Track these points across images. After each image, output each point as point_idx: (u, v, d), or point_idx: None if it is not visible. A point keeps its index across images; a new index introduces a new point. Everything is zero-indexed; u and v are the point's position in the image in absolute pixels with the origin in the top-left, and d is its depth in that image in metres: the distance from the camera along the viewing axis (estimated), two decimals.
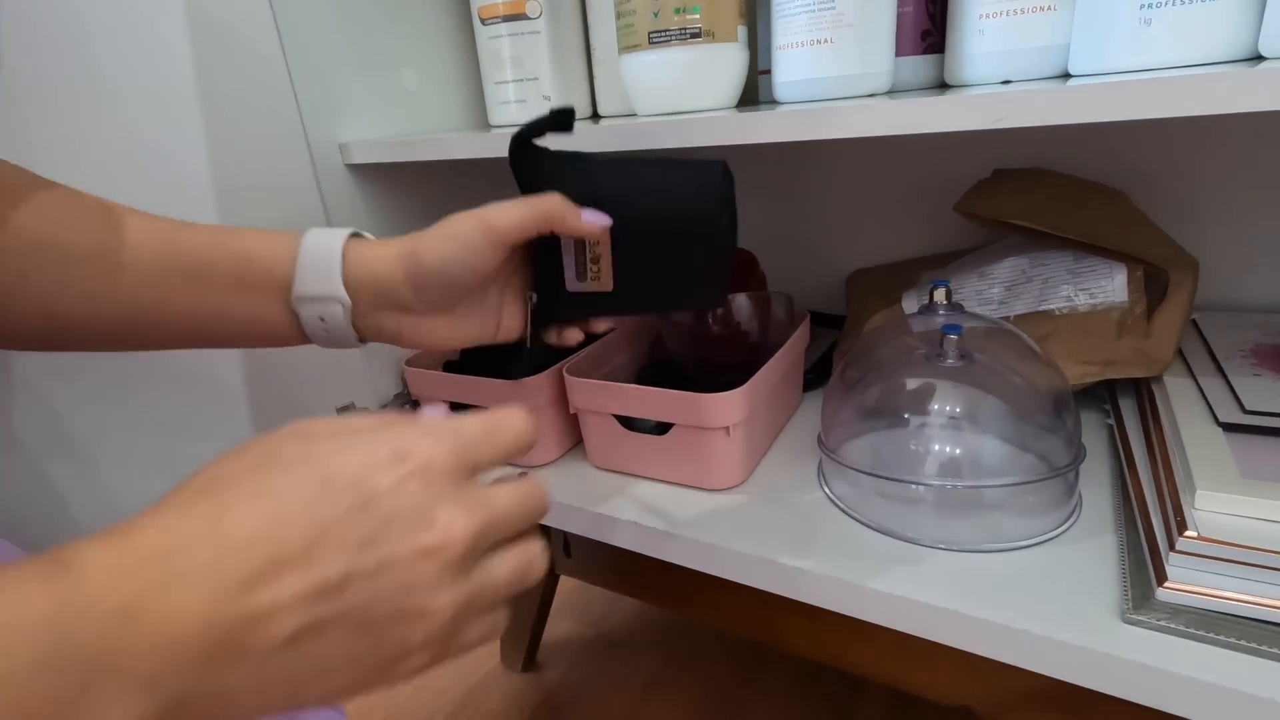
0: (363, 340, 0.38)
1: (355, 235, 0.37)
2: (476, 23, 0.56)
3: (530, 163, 0.38)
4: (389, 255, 0.36)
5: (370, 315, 0.37)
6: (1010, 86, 0.40)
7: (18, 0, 0.41)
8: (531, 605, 0.68)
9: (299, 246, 0.36)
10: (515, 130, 0.37)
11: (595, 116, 0.60)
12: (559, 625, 0.76)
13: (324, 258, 0.36)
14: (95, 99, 0.43)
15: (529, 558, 0.26)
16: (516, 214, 0.36)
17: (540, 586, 0.68)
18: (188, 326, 0.36)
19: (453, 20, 0.60)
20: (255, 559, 0.20)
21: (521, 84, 0.56)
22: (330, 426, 0.24)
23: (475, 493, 0.24)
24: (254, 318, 0.37)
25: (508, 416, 0.26)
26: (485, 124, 0.61)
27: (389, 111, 0.57)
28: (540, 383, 0.49)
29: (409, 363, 0.54)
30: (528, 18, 0.55)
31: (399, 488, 0.22)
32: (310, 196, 0.53)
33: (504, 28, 0.55)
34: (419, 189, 0.61)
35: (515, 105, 0.57)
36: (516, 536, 0.26)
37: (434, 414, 0.26)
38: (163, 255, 0.35)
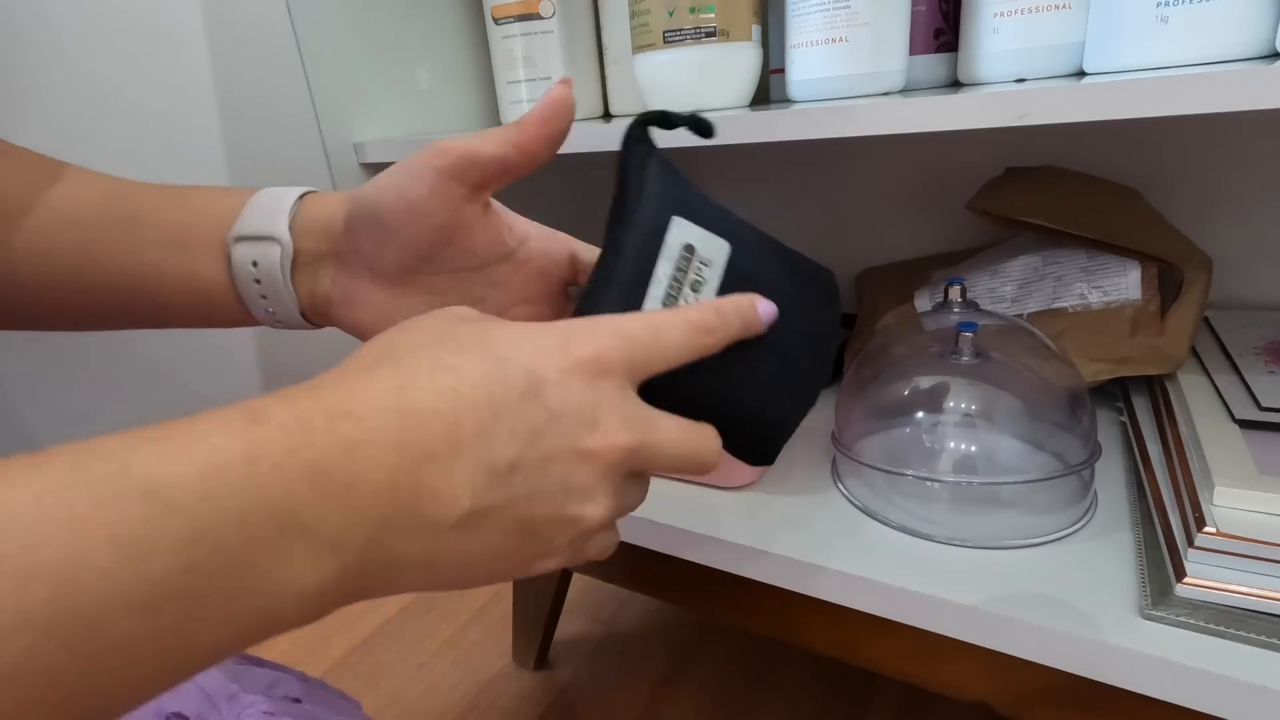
0: (302, 310, 0.32)
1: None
2: (489, 22, 0.56)
3: (646, 159, 0.28)
4: (339, 197, 0.31)
5: (309, 267, 0.31)
6: (1025, 84, 0.40)
7: (30, 4, 0.41)
8: (544, 603, 0.68)
9: (249, 197, 0.32)
10: (643, 112, 0.29)
11: (607, 115, 0.60)
12: (571, 623, 0.76)
13: (274, 199, 0.31)
14: (111, 98, 0.44)
15: (644, 495, 0.25)
16: (492, 139, 0.28)
17: (552, 584, 0.68)
18: (110, 283, 0.32)
19: (465, 20, 0.61)
20: (435, 433, 0.20)
21: (534, 83, 0.56)
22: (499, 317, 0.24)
23: (640, 408, 0.24)
24: (186, 272, 0.31)
25: (673, 323, 0.25)
26: (497, 123, 0.61)
27: (403, 111, 0.57)
28: None
29: None
30: (540, 17, 0.55)
31: (565, 382, 0.22)
32: None
33: (517, 27, 0.55)
34: None
35: (528, 105, 0.57)
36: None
37: None
38: (105, 204, 0.31)
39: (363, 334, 0.32)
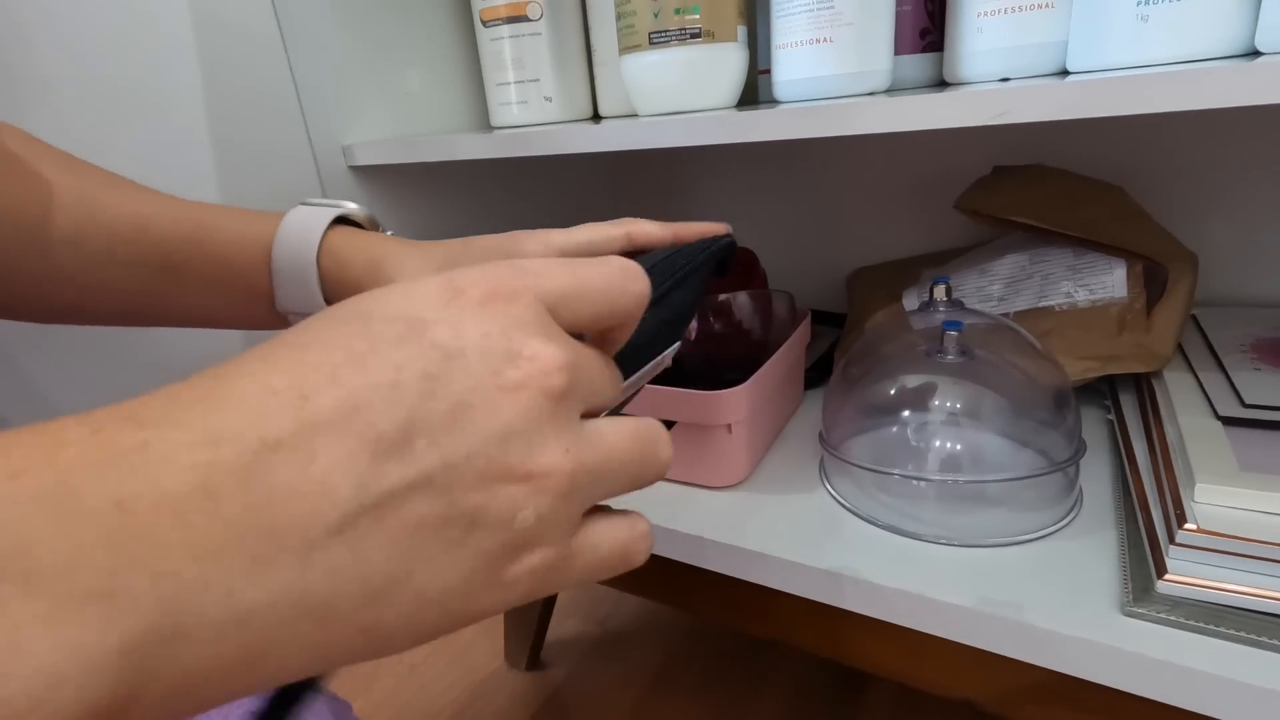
0: None
1: (338, 222, 0.35)
2: (478, 25, 0.56)
3: (701, 288, 0.29)
4: (362, 256, 0.33)
5: None
6: (1009, 84, 0.40)
7: (16, 2, 0.41)
8: (536, 604, 0.69)
9: (272, 251, 0.33)
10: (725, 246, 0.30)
11: (596, 117, 0.60)
12: (563, 624, 0.76)
13: (299, 270, 0.32)
14: (99, 100, 0.44)
15: (649, 433, 0.19)
16: (596, 235, 0.31)
17: None
18: (181, 318, 0.35)
19: (454, 22, 0.61)
20: (273, 414, 0.14)
21: (523, 85, 0.57)
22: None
23: (561, 335, 0.18)
24: (247, 318, 0.35)
25: (598, 271, 0.19)
26: (487, 125, 0.61)
27: (392, 114, 0.58)
28: None
29: None
30: (528, 19, 0.55)
31: (455, 317, 0.17)
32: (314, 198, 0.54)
33: (505, 29, 0.55)
34: (422, 191, 0.61)
35: (517, 106, 0.57)
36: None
37: None
38: (138, 249, 0.33)
39: None
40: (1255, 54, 0.33)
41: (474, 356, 0.16)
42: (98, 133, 0.44)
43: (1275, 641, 0.30)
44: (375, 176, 0.57)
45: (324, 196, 0.54)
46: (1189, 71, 0.28)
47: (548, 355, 0.17)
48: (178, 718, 0.14)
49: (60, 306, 0.34)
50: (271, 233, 0.34)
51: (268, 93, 0.49)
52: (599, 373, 0.19)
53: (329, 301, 0.33)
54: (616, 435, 0.19)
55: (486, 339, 0.17)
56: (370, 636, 0.15)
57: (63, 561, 0.12)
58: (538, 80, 0.56)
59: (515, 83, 0.57)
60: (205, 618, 0.13)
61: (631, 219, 0.34)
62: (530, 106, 0.57)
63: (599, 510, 0.20)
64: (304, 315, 0.33)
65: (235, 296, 0.34)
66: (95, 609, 0.12)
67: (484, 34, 0.57)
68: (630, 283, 0.19)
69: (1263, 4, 0.32)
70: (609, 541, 0.19)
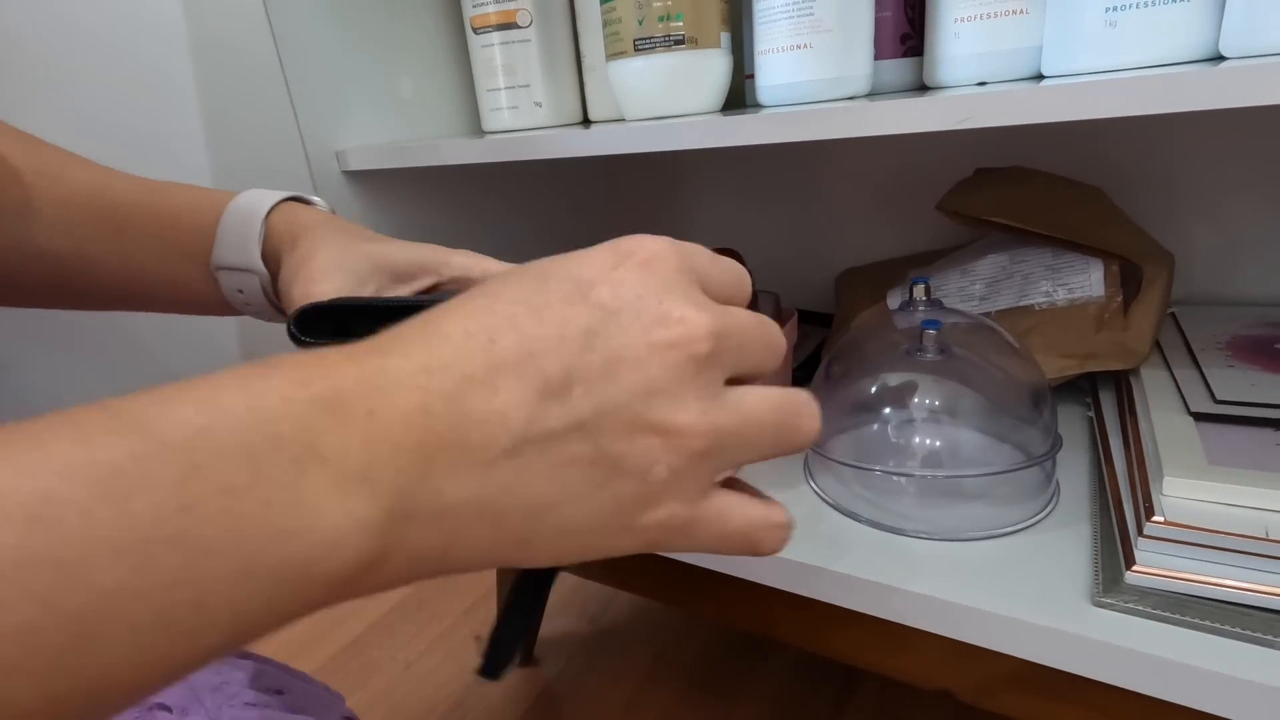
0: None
1: (294, 199, 0.34)
2: (469, 32, 0.58)
3: None
4: (308, 219, 0.33)
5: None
6: (985, 88, 0.41)
7: (10, 7, 0.42)
8: None
9: (224, 212, 0.33)
10: None
11: (586, 122, 0.61)
12: (556, 621, 0.77)
13: (244, 224, 0.32)
14: (92, 106, 0.45)
15: (794, 401, 0.20)
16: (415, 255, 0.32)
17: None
18: (111, 286, 0.34)
19: (445, 29, 0.62)
20: (468, 351, 0.17)
21: (514, 91, 0.58)
22: None
23: (711, 303, 0.20)
24: (179, 282, 0.34)
25: (726, 260, 0.22)
26: (478, 131, 0.62)
27: (384, 119, 0.59)
28: None
29: None
30: (518, 26, 0.56)
31: (617, 278, 0.19)
32: None
33: (496, 36, 0.56)
34: (415, 195, 0.62)
35: (508, 112, 0.58)
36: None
37: None
38: (91, 209, 0.33)
39: None
40: (1220, 59, 0.34)
41: (629, 316, 0.19)
42: (91, 137, 0.45)
43: (1239, 630, 0.31)
44: (368, 181, 0.58)
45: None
46: (1151, 77, 0.29)
47: (695, 320, 0.19)
48: (401, 584, 0.17)
49: None
50: (226, 201, 0.34)
51: (262, 99, 0.50)
52: (752, 342, 0.20)
53: (265, 262, 0.32)
54: (758, 403, 0.20)
55: (641, 301, 0.19)
56: (524, 548, 0.19)
57: (339, 451, 0.16)
58: (528, 86, 0.57)
59: (506, 88, 0.58)
60: (423, 507, 0.17)
61: None
62: (521, 112, 0.58)
63: (740, 486, 0.22)
64: (234, 272, 0.33)
65: (169, 253, 0.33)
66: (362, 488, 0.16)
67: (475, 41, 0.58)
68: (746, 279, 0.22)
69: (1226, 11, 0.33)
70: (738, 517, 0.21)
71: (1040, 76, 0.41)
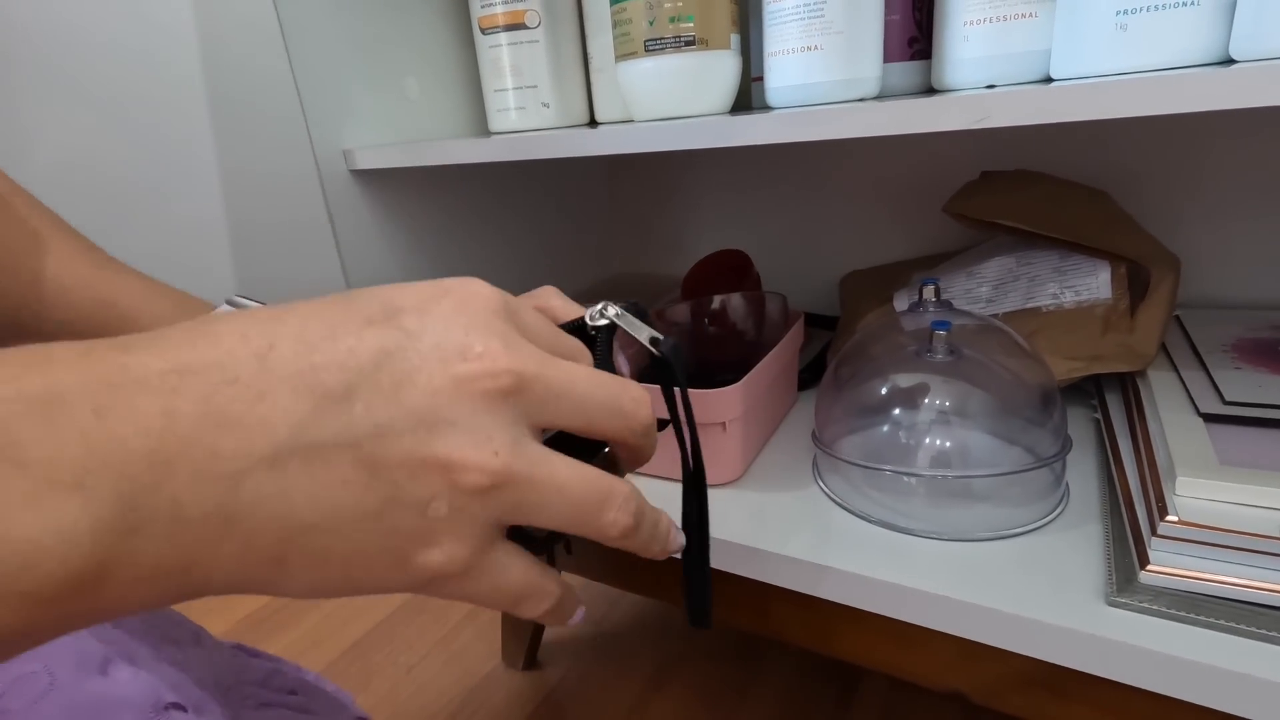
0: None
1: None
2: (477, 32, 0.58)
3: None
4: None
5: None
6: (994, 90, 0.41)
7: (22, 11, 0.42)
8: None
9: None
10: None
11: (593, 122, 0.61)
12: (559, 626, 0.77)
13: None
14: (104, 107, 0.45)
15: (606, 490, 0.19)
16: None
17: None
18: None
19: (453, 30, 0.62)
20: (239, 356, 0.16)
21: (521, 91, 0.58)
22: None
23: (525, 345, 0.19)
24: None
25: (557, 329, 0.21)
26: (485, 131, 0.62)
27: (392, 119, 0.59)
28: None
29: None
30: (526, 27, 0.56)
31: (431, 309, 0.18)
32: (315, 202, 0.54)
33: (503, 37, 0.56)
34: (421, 194, 0.62)
35: (515, 112, 0.58)
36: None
37: None
38: (92, 321, 0.32)
39: None
40: (1230, 62, 0.34)
41: (430, 343, 0.17)
42: (103, 137, 0.45)
43: (1253, 629, 0.31)
44: (375, 181, 0.58)
45: (324, 199, 0.55)
46: (1160, 78, 0.30)
47: (498, 355, 0.18)
48: (138, 607, 0.16)
49: None
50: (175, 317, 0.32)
51: (270, 98, 0.50)
52: (578, 396, 0.19)
53: None
54: (565, 468, 0.19)
55: (446, 331, 0.18)
56: (277, 571, 0.17)
57: (45, 454, 0.14)
58: (535, 86, 0.58)
59: (514, 89, 0.58)
60: (156, 518, 0.15)
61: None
62: (528, 112, 0.58)
63: (528, 544, 0.20)
64: None
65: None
66: (71, 496, 0.14)
67: (483, 41, 0.58)
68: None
69: (1236, 14, 0.33)
70: (520, 573, 0.19)
71: (1049, 80, 0.41)
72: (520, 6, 0.56)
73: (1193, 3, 0.34)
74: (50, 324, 0.31)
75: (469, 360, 0.17)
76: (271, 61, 0.50)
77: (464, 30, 0.62)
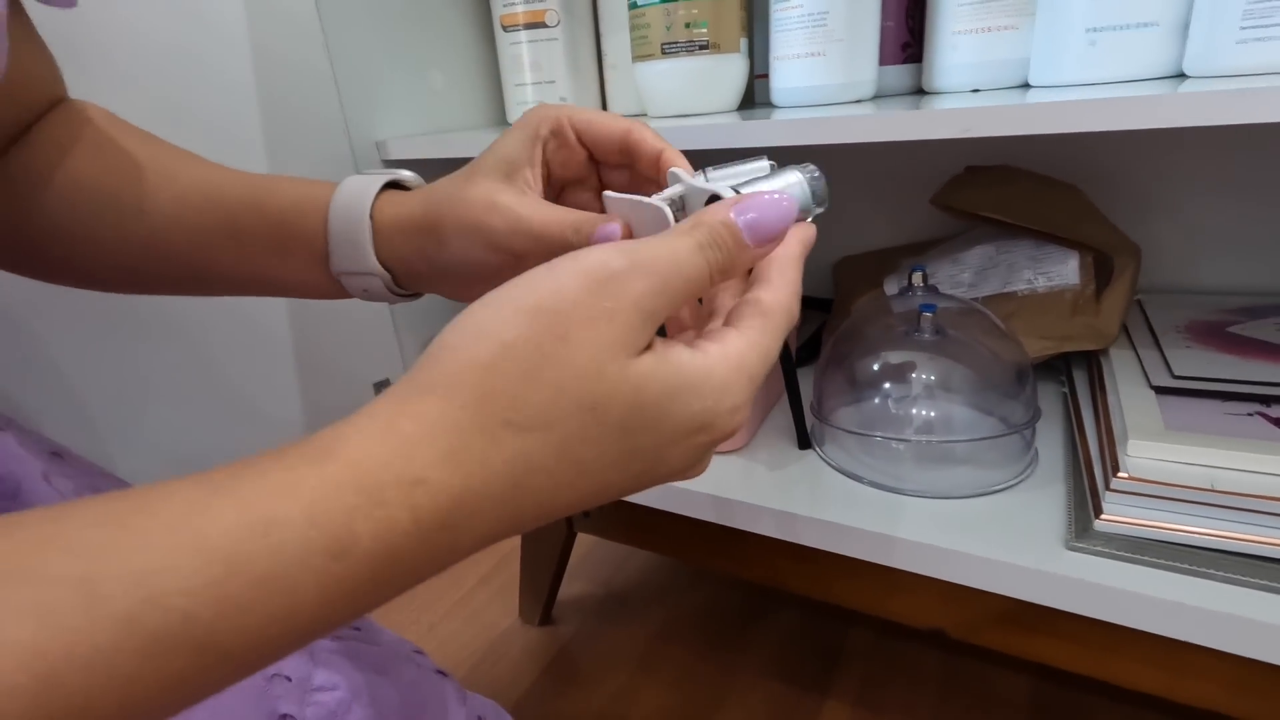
0: (418, 295, 0.36)
1: (390, 186, 0.34)
2: (498, 30, 0.61)
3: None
4: (415, 203, 0.33)
5: (412, 282, 0.35)
6: (978, 95, 0.46)
7: (94, 19, 0.45)
8: (549, 564, 0.74)
9: (328, 213, 0.34)
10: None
11: None
12: (571, 585, 0.82)
13: (353, 231, 0.33)
14: (164, 102, 0.48)
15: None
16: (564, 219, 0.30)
17: (558, 546, 0.74)
18: (231, 281, 0.36)
19: (476, 28, 0.65)
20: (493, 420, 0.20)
21: (539, 86, 0.61)
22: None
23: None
24: (301, 282, 0.36)
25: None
26: (504, 123, 0.66)
27: (419, 111, 0.62)
28: None
29: None
30: (546, 26, 0.60)
31: (687, 456, 0.23)
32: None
33: (524, 35, 0.60)
34: None
35: (533, 105, 0.62)
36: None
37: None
38: (205, 209, 0.34)
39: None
40: (1183, 76, 0.39)
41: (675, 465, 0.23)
42: (163, 129, 0.49)
43: (1189, 566, 0.37)
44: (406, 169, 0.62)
45: None
46: (1121, 99, 0.34)
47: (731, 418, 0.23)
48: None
49: (128, 275, 0.36)
50: (328, 197, 0.34)
51: (313, 93, 0.54)
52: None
53: (381, 262, 0.34)
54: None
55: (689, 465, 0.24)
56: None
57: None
58: (553, 82, 0.61)
59: (532, 84, 0.61)
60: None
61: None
62: None
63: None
64: (356, 276, 0.34)
65: (293, 259, 0.35)
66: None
67: (504, 38, 0.61)
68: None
69: (1189, 35, 0.38)
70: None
71: (1027, 85, 0.46)
72: (540, 6, 0.59)
73: (1153, 24, 0.39)
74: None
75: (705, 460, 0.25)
76: (313, 57, 0.53)
77: (486, 28, 0.66)
